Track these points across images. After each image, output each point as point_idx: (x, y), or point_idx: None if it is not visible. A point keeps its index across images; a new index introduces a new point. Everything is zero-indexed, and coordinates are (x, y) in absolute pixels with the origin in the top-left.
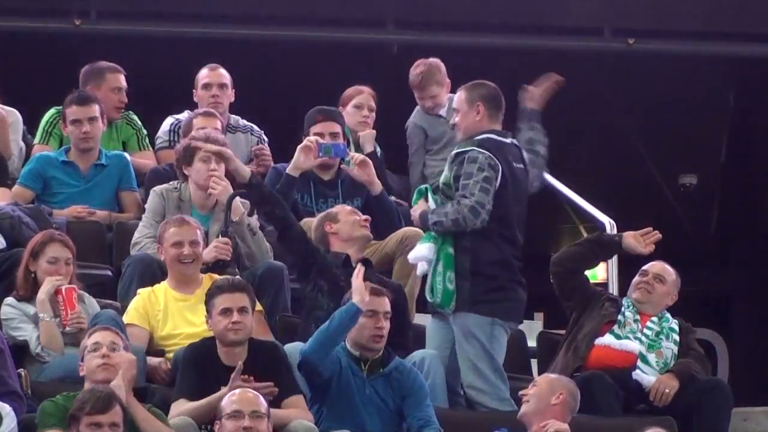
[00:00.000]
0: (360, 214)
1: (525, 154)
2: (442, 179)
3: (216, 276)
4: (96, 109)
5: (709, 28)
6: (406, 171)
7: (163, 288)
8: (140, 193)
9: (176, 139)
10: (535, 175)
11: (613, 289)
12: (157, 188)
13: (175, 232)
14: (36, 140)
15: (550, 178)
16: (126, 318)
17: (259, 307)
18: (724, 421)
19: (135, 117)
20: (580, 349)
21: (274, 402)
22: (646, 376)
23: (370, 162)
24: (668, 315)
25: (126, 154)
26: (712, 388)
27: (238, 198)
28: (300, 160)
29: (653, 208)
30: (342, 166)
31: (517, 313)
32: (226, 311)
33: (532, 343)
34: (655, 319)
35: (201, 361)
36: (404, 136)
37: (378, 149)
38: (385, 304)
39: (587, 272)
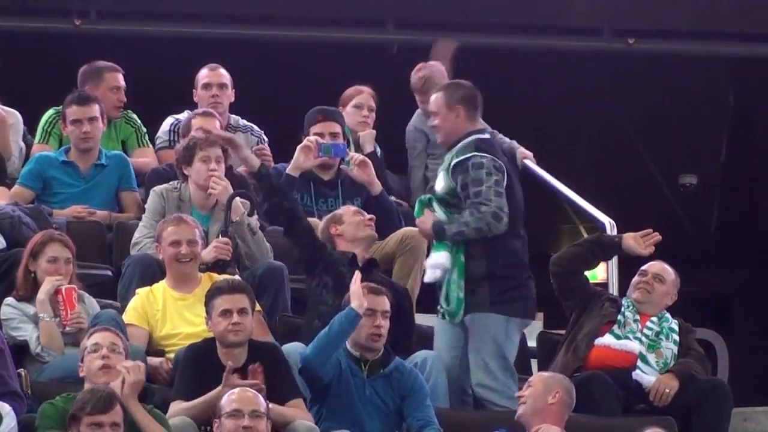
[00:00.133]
0: (364, 213)
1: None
2: (442, 189)
3: (215, 275)
4: (96, 109)
5: (709, 28)
6: (406, 171)
7: (161, 287)
8: (140, 193)
9: (176, 139)
10: None
11: (613, 289)
12: (157, 188)
13: (173, 231)
14: (36, 140)
15: (550, 178)
16: (125, 318)
17: (257, 307)
18: (724, 421)
19: (134, 116)
20: (580, 349)
21: (274, 403)
22: (646, 376)
23: (370, 162)
24: (668, 315)
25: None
26: (712, 388)
27: (238, 198)
28: (300, 160)
29: (653, 208)
30: (342, 166)
31: (532, 310)
32: (226, 312)
33: (532, 343)
34: (654, 319)
35: (201, 362)
36: (404, 136)
37: (378, 149)
38: (383, 303)
39: (587, 272)
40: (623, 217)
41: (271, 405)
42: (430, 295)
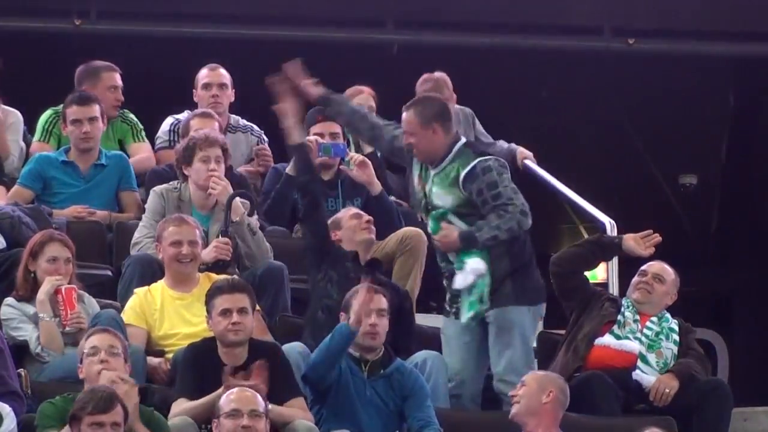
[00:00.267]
0: (363, 216)
1: None
2: (452, 203)
3: (213, 275)
4: (96, 109)
5: (709, 28)
6: (406, 171)
7: (159, 287)
8: (140, 193)
9: (176, 139)
10: None
11: (613, 289)
12: (157, 188)
13: (173, 231)
14: (35, 138)
15: (550, 178)
16: (123, 318)
17: (256, 307)
18: (724, 421)
19: (131, 115)
20: (580, 349)
21: (274, 403)
22: (646, 376)
23: (370, 163)
24: (668, 315)
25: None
26: (713, 388)
27: (238, 198)
28: None
29: (653, 208)
30: (342, 166)
31: (543, 293)
32: (226, 312)
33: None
34: (654, 319)
35: (201, 361)
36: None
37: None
38: (380, 302)
39: (587, 272)
40: (623, 217)
41: (270, 405)
42: (430, 295)
